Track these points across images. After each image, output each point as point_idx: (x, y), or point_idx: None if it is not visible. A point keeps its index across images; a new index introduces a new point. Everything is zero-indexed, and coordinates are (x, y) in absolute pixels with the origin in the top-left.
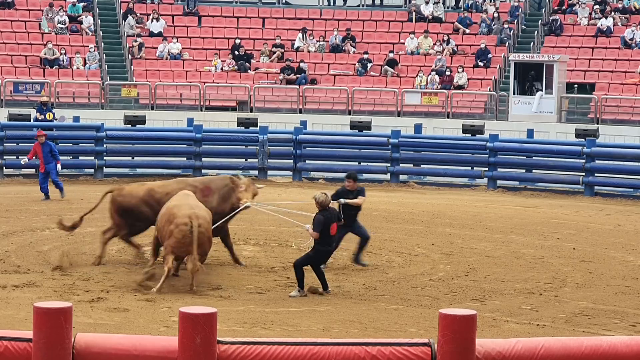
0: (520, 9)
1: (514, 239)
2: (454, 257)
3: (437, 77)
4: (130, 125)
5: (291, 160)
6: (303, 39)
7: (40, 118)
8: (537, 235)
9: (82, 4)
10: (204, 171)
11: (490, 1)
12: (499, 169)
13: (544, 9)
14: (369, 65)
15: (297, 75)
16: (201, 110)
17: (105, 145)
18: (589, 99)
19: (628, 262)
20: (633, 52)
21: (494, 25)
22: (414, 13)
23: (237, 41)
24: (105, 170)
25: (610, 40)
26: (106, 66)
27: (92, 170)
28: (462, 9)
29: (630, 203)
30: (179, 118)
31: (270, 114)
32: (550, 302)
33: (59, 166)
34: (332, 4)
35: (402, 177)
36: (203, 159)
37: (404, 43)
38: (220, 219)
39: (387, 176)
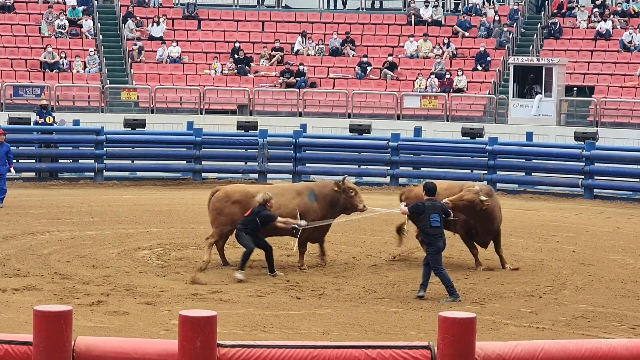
0: (519, 12)
1: (513, 242)
2: (454, 260)
3: (436, 80)
4: (130, 129)
5: (291, 164)
6: (302, 43)
7: (40, 121)
8: (536, 238)
9: (81, 8)
10: (203, 174)
11: (490, 4)
12: (498, 172)
13: (543, 12)
14: (369, 68)
15: (297, 79)
16: (201, 114)
17: (105, 149)
18: (588, 101)
19: (627, 265)
20: (632, 55)
21: (493, 28)
22: (413, 16)
23: (237, 44)
24: (105, 173)
25: (610, 43)
26: (106, 70)
27: (92, 173)
28: (461, 12)
29: (629, 206)
30: (178, 121)
31: (270, 117)
32: (550, 304)
33: (12, 170)
34: (331, 7)
35: (401, 180)
36: (203, 163)
37: (403, 46)
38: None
39: (387, 179)
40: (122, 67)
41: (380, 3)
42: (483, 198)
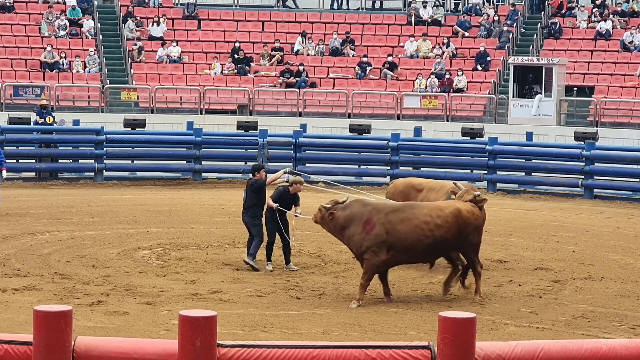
0: (519, 12)
1: (513, 242)
2: None
3: (436, 80)
4: (130, 129)
5: (291, 164)
6: (302, 43)
7: (40, 122)
8: (536, 238)
9: (82, 7)
10: (203, 174)
11: (490, 4)
12: (498, 172)
13: (543, 12)
14: (369, 68)
15: (297, 79)
16: (201, 114)
17: (105, 149)
18: (588, 101)
19: (627, 265)
20: (632, 55)
21: (493, 28)
22: (413, 16)
23: (237, 44)
24: (105, 173)
25: (609, 43)
26: (106, 69)
27: (92, 173)
28: (461, 12)
29: (629, 206)
30: (178, 121)
31: (270, 117)
32: (550, 305)
33: (4, 172)
34: (331, 7)
35: None
36: (203, 163)
37: (403, 46)
38: None
39: (387, 179)
40: (122, 67)
41: (381, 3)
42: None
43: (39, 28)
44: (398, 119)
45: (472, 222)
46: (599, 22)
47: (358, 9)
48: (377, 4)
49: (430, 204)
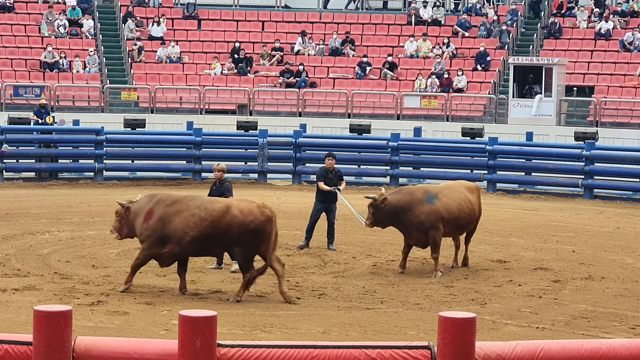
0: (519, 12)
1: (513, 242)
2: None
3: (436, 80)
4: (130, 129)
5: (291, 164)
6: (302, 43)
7: (40, 122)
8: (536, 238)
9: (82, 7)
10: (203, 174)
11: (490, 4)
12: (498, 172)
13: (543, 12)
14: (369, 68)
15: (297, 79)
16: (201, 114)
17: (105, 149)
18: (588, 102)
19: (627, 265)
20: (632, 55)
21: (493, 28)
22: (413, 16)
23: (237, 44)
24: (105, 173)
25: (609, 43)
26: (106, 69)
27: (92, 173)
28: (461, 12)
29: (629, 206)
30: (178, 121)
31: (270, 117)
32: (550, 304)
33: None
34: (331, 7)
35: (401, 180)
36: (203, 162)
37: (403, 46)
38: None
39: (387, 179)
40: (122, 67)
41: (385, 3)
42: None
43: (39, 28)
44: (398, 119)
45: (244, 223)
46: (599, 22)
47: (358, 8)
48: (379, 4)
49: (208, 199)
